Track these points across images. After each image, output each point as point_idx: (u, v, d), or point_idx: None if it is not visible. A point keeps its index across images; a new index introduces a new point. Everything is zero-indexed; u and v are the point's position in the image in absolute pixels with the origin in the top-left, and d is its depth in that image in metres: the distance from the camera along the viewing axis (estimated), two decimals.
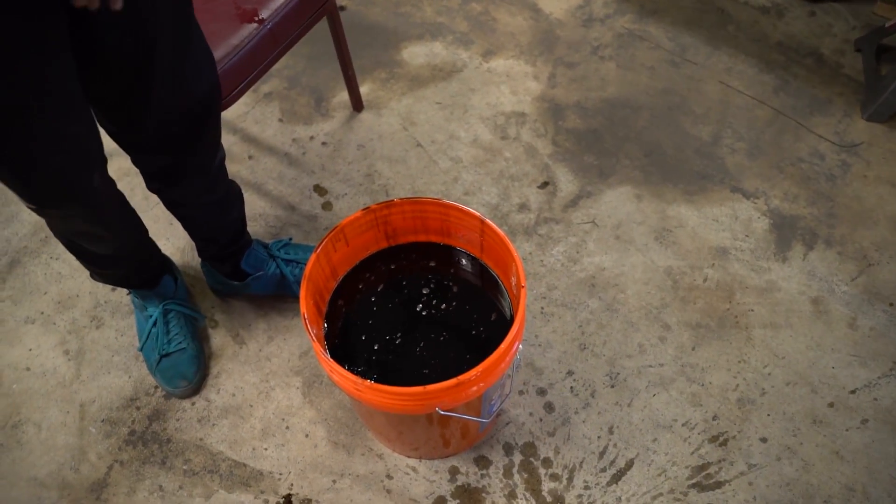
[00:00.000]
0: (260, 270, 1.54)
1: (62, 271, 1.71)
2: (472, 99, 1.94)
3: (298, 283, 1.56)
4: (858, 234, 1.65)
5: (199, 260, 1.61)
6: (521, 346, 1.27)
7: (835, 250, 1.63)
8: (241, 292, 1.59)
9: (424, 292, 1.31)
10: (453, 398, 1.11)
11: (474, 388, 1.11)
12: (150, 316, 1.51)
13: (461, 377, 1.06)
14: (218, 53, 1.35)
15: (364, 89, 1.96)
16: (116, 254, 1.31)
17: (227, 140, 1.89)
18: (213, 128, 1.23)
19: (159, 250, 1.51)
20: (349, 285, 1.32)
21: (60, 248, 1.74)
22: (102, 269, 1.37)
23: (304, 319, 1.13)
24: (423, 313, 1.29)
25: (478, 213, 1.23)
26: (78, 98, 0.97)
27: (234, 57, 1.37)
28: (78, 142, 1.01)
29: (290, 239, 1.61)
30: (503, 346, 1.09)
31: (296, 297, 1.59)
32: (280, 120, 1.93)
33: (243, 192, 1.79)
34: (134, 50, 0.99)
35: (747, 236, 1.66)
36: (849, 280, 1.59)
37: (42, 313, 1.66)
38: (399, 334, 1.27)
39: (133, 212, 1.35)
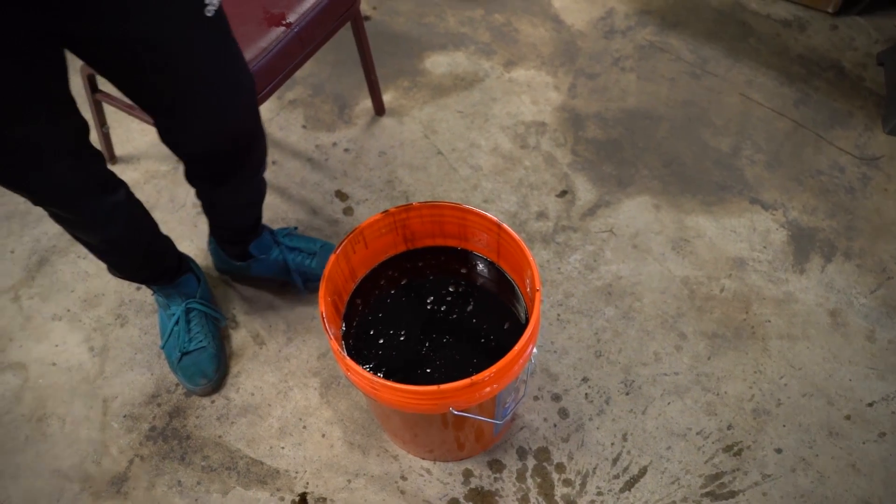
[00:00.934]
0: (263, 255, 1.58)
1: (89, 270, 1.75)
2: (492, 108, 1.96)
3: (299, 272, 1.59)
4: (878, 247, 1.64)
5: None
6: (535, 350, 1.28)
7: (854, 262, 1.63)
8: (242, 273, 1.63)
9: (441, 296, 1.33)
10: (467, 399, 1.12)
11: (488, 389, 1.13)
12: (173, 314, 1.55)
13: (475, 377, 1.07)
14: (247, 55, 1.39)
15: (387, 97, 1.99)
16: (108, 247, 1.34)
17: None
18: (258, 144, 1.27)
19: (174, 248, 1.54)
20: (368, 287, 1.35)
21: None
22: (106, 260, 1.40)
23: (323, 318, 1.15)
24: (440, 316, 1.31)
25: (494, 218, 1.25)
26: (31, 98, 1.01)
27: (263, 59, 1.40)
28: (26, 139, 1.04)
29: (296, 228, 1.65)
30: (517, 347, 1.10)
31: (295, 286, 1.62)
32: (304, 126, 1.96)
33: (269, 195, 1.83)
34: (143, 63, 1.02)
35: (765, 248, 1.66)
36: (867, 292, 1.58)
37: (69, 311, 1.70)
38: (416, 337, 1.29)
39: (134, 209, 1.36)
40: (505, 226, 1.24)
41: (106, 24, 0.96)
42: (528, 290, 1.23)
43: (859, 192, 1.72)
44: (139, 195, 1.84)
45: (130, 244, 1.37)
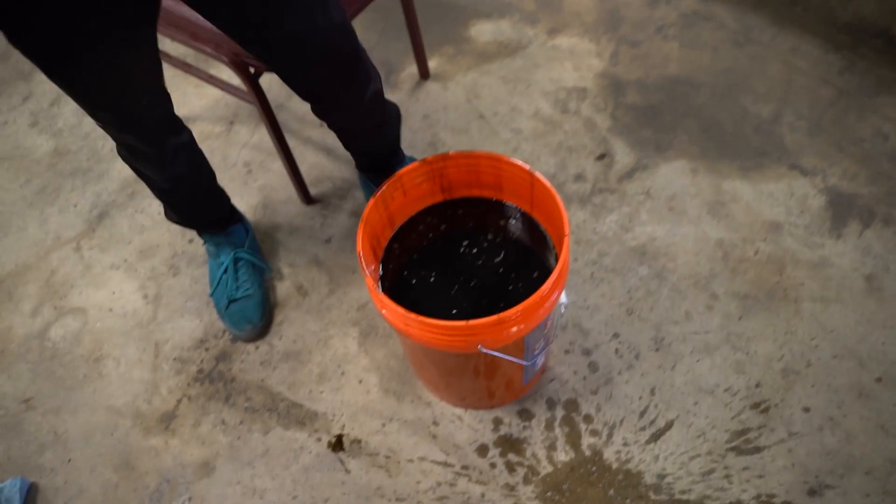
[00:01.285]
0: None
1: (145, 224, 1.85)
2: (535, 74, 1.99)
3: None
4: None
5: (297, 210, 1.74)
6: (565, 300, 1.32)
7: (893, 229, 1.61)
8: None
9: (475, 244, 1.38)
10: (494, 336, 1.17)
11: (514, 329, 1.17)
12: (222, 263, 1.63)
13: (501, 315, 1.12)
14: None
15: (432, 63, 2.04)
16: (171, 186, 1.43)
17: (303, 107, 2.00)
18: (357, 63, 1.31)
19: (228, 199, 1.63)
20: (405, 234, 1.40)
21: (146, 203, 1.88)
22: (166, 200, 1.49)
23: (360, 257, 1.21)
24: (473, 263, 1.35)
25: (527, 167, 1.29)
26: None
27: None
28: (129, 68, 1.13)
29: None
30: (543, 288, 1.14)
31: None
32: None
33: (316, 153, 1.90)
34: None
35: (802, 212, 1.66)
36: None
37: (125, 260, 1.80)
38: (448, 281, 1.34)
39: (196, 154, 1.46)
40: (537, 174, 1.28)
41: None
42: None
43: None
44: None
45: (191, 185, 1.47)
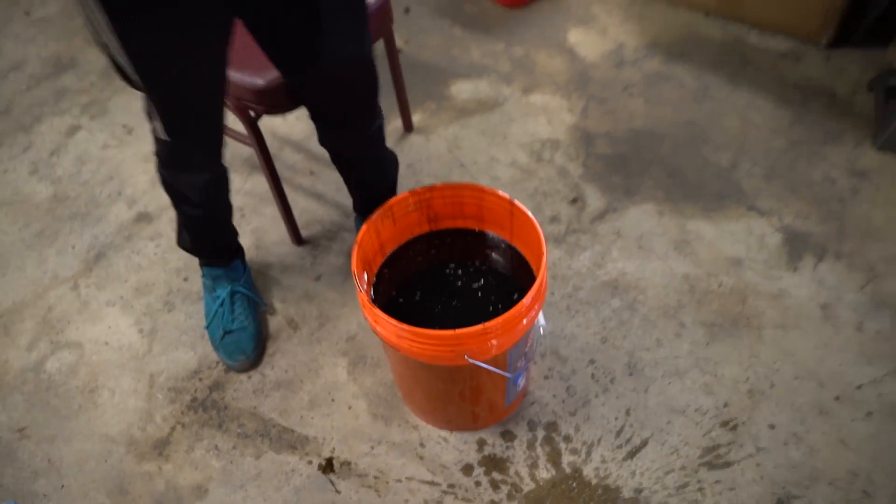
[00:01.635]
0: None
1: (141, 263, 1.93)
2: (511, 128, 2.14)
3: None
4: (867, 249, 1.76)
5: (299, 242, 1.84)
6: (543, 321, 1.42)
7: (844, 262, 1.75)
8: None
9: (459, 271, 1.48)
10: (479, 347, 1.26)
11: (495, 342, 1.26)
12: (219, 296, 1.71)
13: (486, 324, 1.21)
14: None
15: (415, 118, 2.18)
16: (201, 210, 1.52)
17: (294, 157, 2.12)
18: (370, 89, 1.44)
19: (237, 235, 1.73)
20: (395, 261, 1.50)
21: (142, 244, 1.97)
22: (190, 225, 1.58)
23: (355, 275, 1.31)
24: (460, 287, 1.45)
25: (507, 196, 1.41)
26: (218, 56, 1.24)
27: None
28: (214, 82, 1.27)
29: None
30: (524, 300, 1.24)
31: None
32: None
33: (306, 199, 2.01)
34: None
35: (761, 249, 1.79)
36: (857, 288, 1.70)
37: (122, 298, 1.87)
38: (436, 306, 1.43)
39: (227, 189, 1.57)
40: (517, 202, 1.40)
41: None
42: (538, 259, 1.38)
43: (850, 202, 1.86)
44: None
45: (217, 214, 1.60)
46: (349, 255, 1.89)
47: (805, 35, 2.23)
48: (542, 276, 1.29)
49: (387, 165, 1.66)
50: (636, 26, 2.40)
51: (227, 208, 1.62)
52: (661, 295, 1.74)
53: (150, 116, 1.30)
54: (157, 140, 1.36)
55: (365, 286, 1.36)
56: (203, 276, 1.74)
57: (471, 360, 1.27)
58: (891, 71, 2.03)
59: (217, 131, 1.39)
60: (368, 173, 1.64)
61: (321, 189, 2.04)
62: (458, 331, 1.22)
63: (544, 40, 2.40)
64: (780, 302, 1.70)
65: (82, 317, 1.84)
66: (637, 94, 2.19)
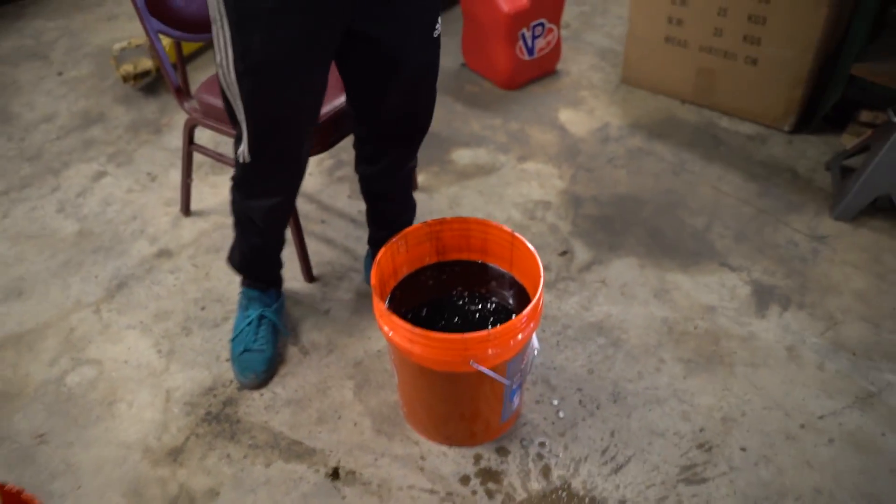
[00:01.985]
0: None
1: (161, 293, 2.07)
2: (507, 190, 2.36)
3: None
4: (826, 301, 1.96)
5: (304, 284, 2.07)
6: (537, 343, 1.58)
7: (806, 312, 1.94)
8: None
9: (463, 297, 1.65)
10: (483, 353, 1.41)
11: (492, 351, 1.41)
12: (249, 316, 1.85)
13: (489, 331, 1.38)
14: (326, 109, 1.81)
15: (420, 178, 2.40)
16: (264, 243, 1.75)
17: (306, 207, 2.31)
18: (419, 137, 1.75)
19: (282, 267, 1.92)
20: (406, 286, 1.67)
21: (162, 276, 2.11)
22: (251, 250, 1.78)
23: (374, 287, 1.47)
24: (465, 310, 1.62)
25: (508, 229, 1.60)
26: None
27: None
28: (312, 101, 1.51)
29: None
30: (523, 314, 1.41)
31: None
32: (349, 196, 2.35)
33: (317, 243, 2.18)
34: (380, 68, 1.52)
35: (732, 298, 1.98)
36: (818, 334, 1.88)
37: (141, 322, 2.00)
38: (443, 326, 1.59)
39: (288, 219, 1.79)
40: (517, 235, 1.58)
41: (380, 27, 1.45)
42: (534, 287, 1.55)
43: (811, 262, 2.07)
44: (207, 242, 2.21)
45: (272, 242, 1.80)
46: (356, 293, 2.05)
47: (770, 122, 2.51)
48: (539, 295, 1.46)
49: (408, 205, 1.88)
50: (620, 109, 2.68)
51: (281, 241, 1.82)
52: (643, 335, 1.91)
53: (236, 142, 1.50)
54: (238, 164, 1.55)
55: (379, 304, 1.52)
56: (241, 293, 1.89)
57: (475, 366, 1.43)
58: (845, 153, 2.29)
59: (298, 158, 1.59)
60: (392, 208, 1.84)
61: (331, 235, 2.22)
62: (464, 335, 1.38)
63: (538, 118, 2.66)
64: (749, 343, 1.87)
65: (103, 337, 1.96)
66: (621, 166, 2.43)
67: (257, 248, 1.79)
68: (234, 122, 1.50)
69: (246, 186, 1.62)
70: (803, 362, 1.83)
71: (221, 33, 1.35)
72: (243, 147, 1.49)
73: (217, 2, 1.31)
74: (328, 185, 2.40)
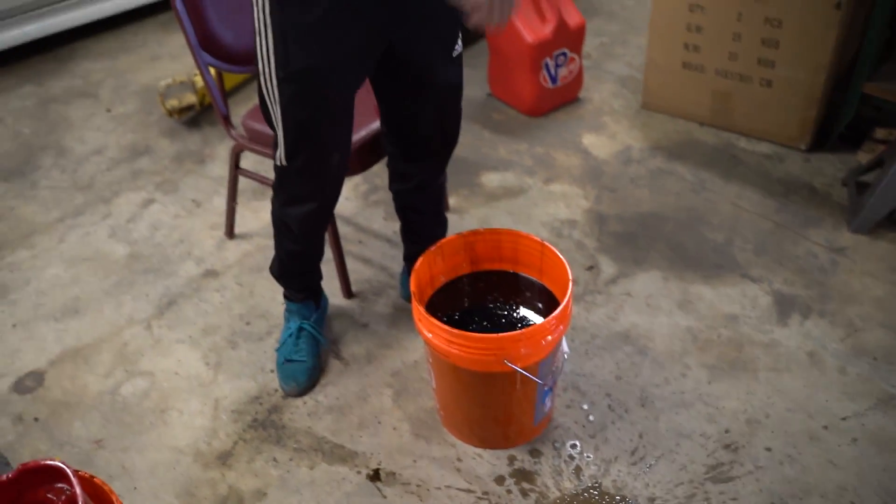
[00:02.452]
0: None
1: (208, 310, 2.19)
2: (534, 210, 2.46)
3: None
4: (846, 310, 2.03)
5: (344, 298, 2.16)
6: (566, 348, 1.67)
7: (826, 320, 2.01)
8: None
9: (498, 304, 1.75)
10: (516, 353, 1.50)
11: (523, 351, 1.50)
12: (290, 328, 1.96)
13: (523, 331, 1.47)
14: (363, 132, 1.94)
15: (451, 201, 2.51)
16: (304, 250, 1.87)
17: (344, 229, 2.42)
18: (447, 151, 1.89)
19: (321, 279, 2.02)
20: (443, 293, 1.77)
21: (209, 294, 2.23)
22: (288, 256, 1.89)
23: (414, 294, 1.58)
24: (497, 315, 1.71)
25: (538, 238, 1.70)
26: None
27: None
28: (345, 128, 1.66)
29: None
30: (555, 314, 1.50)
31: None
32: (384, 218, 2.47)
33: (355, 262, 2.29)
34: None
35: (754, 308, 2.06)
36: (839, 340, 1.95)
37: (190, 337, 2.11)
38: (473, 326, 1.69)
39: (326, 226, 1.90)
40: (547, 244, 1.69)
41: (410, 49, 1.60)
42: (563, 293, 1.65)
43: (830, 272, 2.14)
44: (250, 262, 2.33)
45: (309, 249, 1.90)
46: (393, 307, 2.15)
47: (786, 141, 2.60)
48: (567, 298, 1.55)
49: (440, 220, 2.01)
50: (641, 133, 2.79)
51: (318, 250, 1.92)
52: (668, 343, 1.98)
53: (274, 147, 1.63)
54: (276, 170, 1.68)
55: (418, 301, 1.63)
56: (285, 306, 2.01)
57: (509, 364, 1.52)
58: (860, 168, 2.37)
59: (330, 165, 1.68)
60: (425, 222, 1.96)
61: (368, 254, 2.33)
62: (499, 335, 1.47)
63: (562, 142, 2.77)
64: (772, 350, 1.94)
65: (154, 351, 2.08)
66: (643, 185, 2.53)
67: (294, 255, 1.89)
68: (272, 127, 1.62)
69: (283, 192, 1.74)
70: (825, 367, 1.89)
71: (264, 43, 1.48)
72: (280, 151, 1.62)
73: (262, 14, 1.45)
74: (364, 208, 2.53)
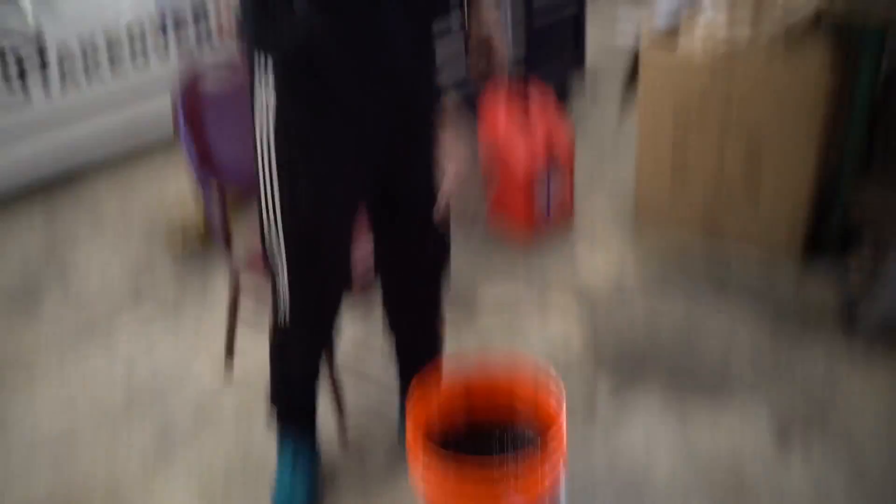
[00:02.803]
0: None
1: (204, 449, 2.15)
2: (530, 329, 2.52)
3: None
4: (851, 430, 2.04)
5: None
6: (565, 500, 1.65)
7: (829, 446, 2.00)
8: None
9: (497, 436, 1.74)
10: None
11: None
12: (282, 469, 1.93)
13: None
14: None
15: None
16: (304, 382, 1.87)
17: (356, 327, 2.46)
18: (441, 275, 1.91)
19: (315, 401, 1.96)
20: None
21: (205, 434, 2.21)
22: (280, 387, 1.89)
23: (414, 429, 1.58)
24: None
25: (532, 384, 1.72)
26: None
27: None
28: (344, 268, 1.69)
29: None
30: (549, 447, 1.50)
31: None
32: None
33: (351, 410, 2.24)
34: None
35: (756, 440, 2.06)
36: (843, 461, 1.94)
37: (186, 477, 2.08)
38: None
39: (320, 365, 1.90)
40: (540, 392, 1.70)
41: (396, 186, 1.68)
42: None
43: (829, 387, 2.18)
44: (253, 379, 2.30)
45: (315, 367, 1.88)
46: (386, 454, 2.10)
47: (777, 249, 2.70)
48: (561, 435, 1.55)
49: (433, 341, 2.01)
50: (634, 248, 2.91)
51: (318, 370, 1.89)
52: (669, 479, 1.96)
53: (275, 310, 1.66)
54: (278, 330, 1.72)
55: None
56: (277, 444, 1.98)
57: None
58: (853, 279, 2.43)
59: (333, 321, 1.74)
60: (417, 343, 1.98)
61: (363, 401, 2.26)
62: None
63: (555, 260, 2.88)
64: (776, 490, 1.92)
65: (147, 494, 2.04)
66: (636, 302, 2.61)
67: (306, 385, 1.90)
68: (274, 290, 1.65)
69: (283, 349, 1.79)
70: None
71: (269, 208, 1.55)
72: (283, 310, 1.65)
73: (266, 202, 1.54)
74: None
